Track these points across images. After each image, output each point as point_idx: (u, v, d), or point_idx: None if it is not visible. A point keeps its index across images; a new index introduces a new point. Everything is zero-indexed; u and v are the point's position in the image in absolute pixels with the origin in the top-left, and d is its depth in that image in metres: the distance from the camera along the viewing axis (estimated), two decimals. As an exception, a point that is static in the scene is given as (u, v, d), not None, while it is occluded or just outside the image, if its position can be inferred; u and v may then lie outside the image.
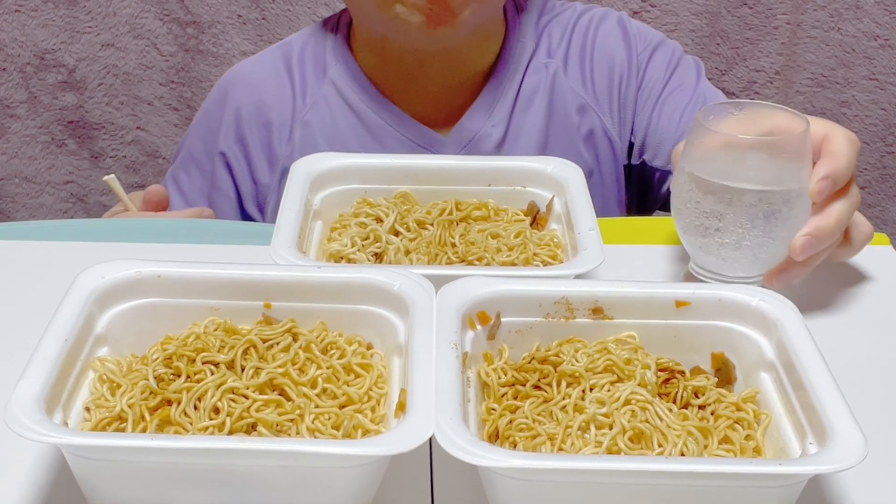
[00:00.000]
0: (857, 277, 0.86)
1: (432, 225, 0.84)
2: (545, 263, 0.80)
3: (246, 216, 1.13)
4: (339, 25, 1.13)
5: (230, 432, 0.60)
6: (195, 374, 0.63)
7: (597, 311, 0.69)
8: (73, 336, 0.62)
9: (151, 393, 0.62)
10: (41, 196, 1.83)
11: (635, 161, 1.12)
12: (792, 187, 0.75)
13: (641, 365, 0.65)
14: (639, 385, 0.64)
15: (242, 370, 0.64)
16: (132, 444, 0.56)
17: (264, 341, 0.66)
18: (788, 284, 0.78)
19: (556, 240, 0.83)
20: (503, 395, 0.65)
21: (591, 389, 0.64)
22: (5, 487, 0.64)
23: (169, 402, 0.62)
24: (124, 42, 1.73)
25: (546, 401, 0.64)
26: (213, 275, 0.69)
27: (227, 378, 0.62)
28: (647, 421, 0.62)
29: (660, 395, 0.65)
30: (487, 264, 0.79)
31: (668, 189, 0.96)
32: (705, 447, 0.62)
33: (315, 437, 0.61)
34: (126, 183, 1.79)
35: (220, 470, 0.57)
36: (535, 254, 0.81)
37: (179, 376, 0.63)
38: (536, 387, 0.65)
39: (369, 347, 0.69)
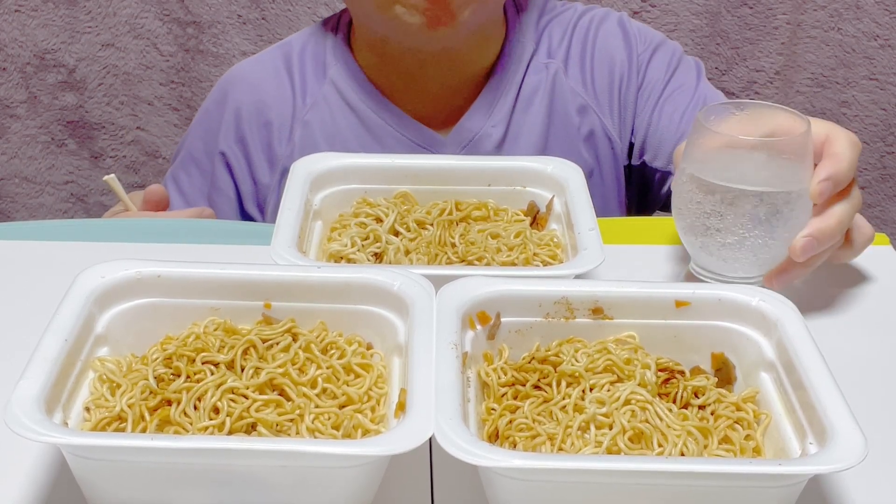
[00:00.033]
0: (856, 278, 0.86)
1: (432, 225, 0.84)
2: (545, 263, 0.80)
3: (246, 216, 1.13)
4: (340, 25, 1.13)
5: (230, 432, 0.60)
6: (195, 374, 0.63)
7: (597, 311, 0.69)
8: (73, 336, 0.62)
9: (151, 393, 0.62)
10: (41, 196, 1.83)
11: (635, 162, 1.12)
12: (793, 188, 0.75)
13: (641, 365, 0.65)
14: (639, 385, 0.64)
15: (242, 370, 0.64)
16: (132, 445, 0.56)
17: (264, 341, 0.66)
18: (789, 285, 0.78)
19: (556, 240, 0.83)
20: (503, 395, 0.65)
21: (591, 389, 0.64)
22: (5, 487, 0.64)
23: (169, 402, 0.62)
24: (124, 42, 1.73)
25: (546, 401, 0.64)
26: (213, 275, 0.69)
27: (227, 378, 0.62)
28: (646, 421, 0.62)
29: (660, 395, 0.65)
30: (487, 264, 0.79)
31: (668, 190, 0.97)
32: (705, 447, 0.62)
33: (315, 437, 0.61)
34: (126, 183, 1.79)
35: (219, 470, 0.57)
36: (535, 254, 0.81)
37: (179, 376, 0.63)
38: (536, 387, 0.65)
39: (369, 347, 0.69)
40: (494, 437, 0.63)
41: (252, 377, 0.63)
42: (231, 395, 0.62)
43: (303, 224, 0.80)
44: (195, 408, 0.61)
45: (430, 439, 0.56)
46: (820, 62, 1.71)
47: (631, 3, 1.68)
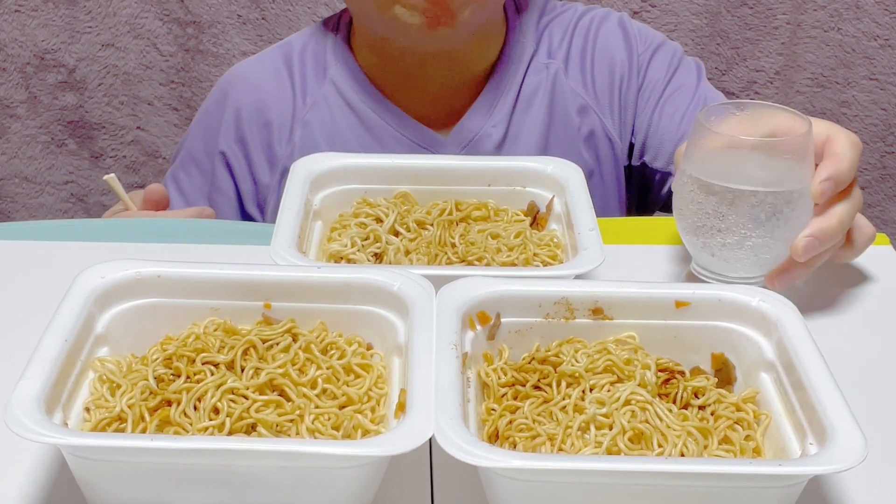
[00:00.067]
0: (857, 278, 0.86)
1: (432, 225, 0.84)
2: (545, 264, 0.80)
3: (246, 216, 1.13)
4: (340, 25, 1.13)
5: (230, 433, 0.60)
6: (195, 374, 0.63)
7: (597, 312, 0.69)
8: (73, 336, 0.62)
9: (151, 393, 0.62)
10: (41, 196, 1.83)
11: (635, 162, 1.12)
12: (794, 188, 0.75)
13: (641, 365, 0.65)
14: (639, 385, 0.64)
15: (242, 370, 0.64)
16: (132, 445, 0.56)
17: (264, 342, 0.66)
18: (790, 285, 0.78)
19: (556, 240, 0.83)
20: (503, 396, 0.65)
21: (590, 390, 0.64)
22: (5, 487, 0.64)
23: (169, 403, 0.62)
24: (124, 42, 1.73)
25: (546, 401, 0.64)
26: (213, 275, 0.69)
27: (227, 378, 0.62)
28: (646, 421, 0.62)
29: (660, 395, 0.65)
30: (487, 264, 0.79)
31: (668, 190, 0.97)
32: (705, 448, 0.62)
33: (315, 438, 0.61)
34: (126, 183, 1.79)
35: (219, 470, 0.57)
36: (535, 254, 0.80)
37: (179, 377, 0.63)
38: (536, 387, 0.65)
39: (369, 348, 0.69)
40: (494, 438, 0.63)
41: (252, 377, 0.63)
42: (231, 396, 0.62)
43: (303, 224, 0.80)
44: (195, 408, 0.61)
45: (430, 440, 0.56)
46: (820, 62, 1.71)
47: (631, 3, 1.68)
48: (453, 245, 0.81)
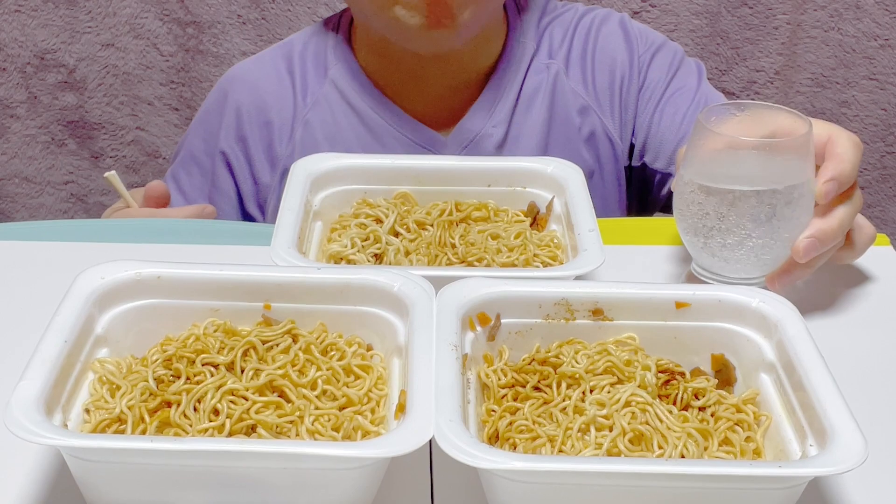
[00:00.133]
0: (857, 278, 0.86)
1: (432, 226, 0.84)
2: (545, 264, 0.80)
3: (246, 216, 1.13)
4: (341, 25, 1.13)
5: (230, 434, 0.60)
6: (195, 375, 0.63)
7: (597, 313, 0.68)
8: (72, 337, 0.62)
9: (151, 394, 0.62)
10: (41, 196, 1.83)
11: (636, 163, 1.12)
12: (794, 189, 0.75)
13: (641, 366, 0.65)
14: (639, 387, 0.64)
15: (242, 372, 0.64)
16: (132, 446, 0.56)
17: (264, 343, 0.66)
18: (791, 286, 0.78)
19: (556, 241, 0.83)
20: (503, 397, 0.65)
21: (591, 391, 0.64)
22: (5, 488, 0.64)
23: (168, 404, 0.62)
24: (124, 42, 1.73)
25: (546, 402, 0.64)
26: (213, 276, 0.69)
27: (227, 380, 0.62)
28: (647, 423, 0.62)
29: (660, 396, 0.65)
30: (487, 265, 0.79)
31: (669, 191, 0.96)
32: (705, 449, 0.62)
33: (315, 439, 0.61)
34: (126, 183, 1.78)
35: (219, 472, 0.57)
36: (535, 255, 0.80)
37: (179, 378, 0.63)
38: (536, 388, 0.65)
39: (369, 349, 0.69)
40: (494, 439, 0.62)
41: (252, 379, 0.63)
42: (231, 397, 0.62)
43: (303, 225, 0.80)
44: (195, 409, 0.61)
45: (430, 441, 0.56)
46: (820, 62, 1.71)
47: (631, 3, 1.68)
48: (453, 246, 0.81)
